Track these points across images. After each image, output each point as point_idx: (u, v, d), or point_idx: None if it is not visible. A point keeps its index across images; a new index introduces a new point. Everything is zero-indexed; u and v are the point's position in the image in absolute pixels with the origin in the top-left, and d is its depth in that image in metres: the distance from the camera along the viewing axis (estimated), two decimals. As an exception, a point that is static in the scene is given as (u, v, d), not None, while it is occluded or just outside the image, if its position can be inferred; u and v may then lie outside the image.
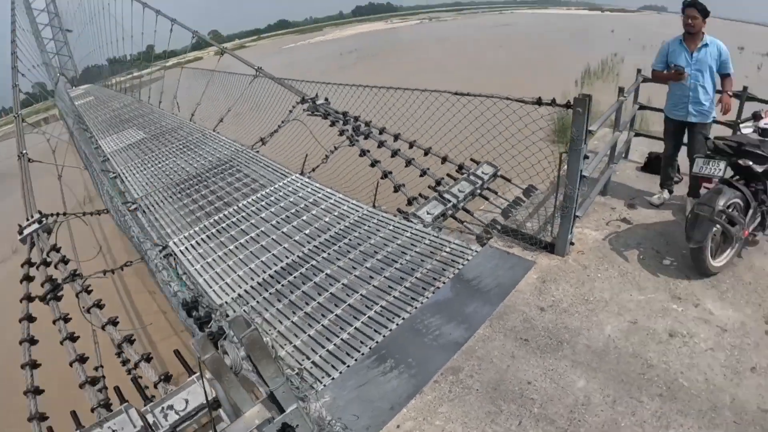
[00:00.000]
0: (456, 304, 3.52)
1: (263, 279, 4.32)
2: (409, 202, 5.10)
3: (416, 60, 24.32)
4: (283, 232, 4.93)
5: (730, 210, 3.77)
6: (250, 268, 4.54)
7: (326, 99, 7.19)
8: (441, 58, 25.36)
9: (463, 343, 3.22)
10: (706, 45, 4.35)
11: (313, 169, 6.22)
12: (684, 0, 4.30)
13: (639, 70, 5.43)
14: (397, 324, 3.46)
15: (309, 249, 4.57)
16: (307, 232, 4.83)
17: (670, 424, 2.72)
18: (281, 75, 9.14)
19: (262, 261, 4.58)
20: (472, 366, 3.05)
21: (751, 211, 3.92)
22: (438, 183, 5.15)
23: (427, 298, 3.62)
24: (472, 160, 5.29)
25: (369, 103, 5.96)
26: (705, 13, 4.26)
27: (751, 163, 3.86)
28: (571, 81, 17.71)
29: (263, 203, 5.59)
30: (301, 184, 5.83)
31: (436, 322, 3.41)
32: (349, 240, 4.55)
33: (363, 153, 5.80)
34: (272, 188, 5.90)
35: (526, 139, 4.05)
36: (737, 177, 4.04)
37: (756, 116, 4.46)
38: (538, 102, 3.61)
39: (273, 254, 4.63)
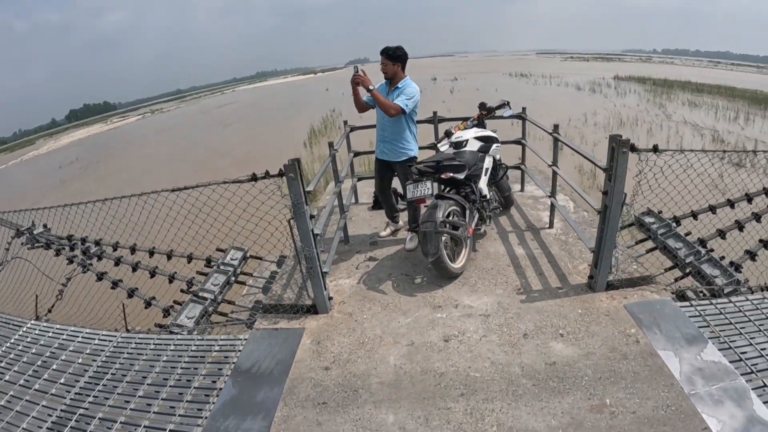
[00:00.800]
0: (245, 397, 3.31)
1: (33, 448, 3.62)
2: (166, 313, 4.73)
3: (144, 157, 23.27)
4: (36, 390, 4.18)
5: (450, 218, 4.21)
6: (13, 440, 3.77)
7: (45, 226, 6.37)
8: (169, 149, 24.65)
9: (267, 433, 3.03)
10: (398, 88, 4.62)
11: (50, 310, 5.44)
12: None
13: (345, 122, 5.89)
14: (195, 443, 3.14)
15: (71, 398, 3.93)
16: (62, 381, 4.16)
17: (483, 414, 2.84)
18: (-7, 206, 7.95)
19: (23, 428, 3.83)
20: (285, 452, 2.88)
21: (468, 212, 4.45)
22: (190, 284, 4.87)
23: (214, 403, 3.34)
24: (218, 249, 5.13)
25: (96, 219, 5.41)
26: (394, 58, 4.55)
27: (452, 174, 4.37)
28: (300, 143, 18.55)
29: (2, 364, 4.72)
30: (40, 330, 5.03)
31: (233, 423, 3.14)
32: (113, 374, 4.02)
33: (100, 277, 5.24)
34: (8, 344, 4.99)
35: (260, 211, 4.01)
36: (448, 189, 4.53)
37: (448, 134, 5.10)
38: (254, 178, 3.62)
39: (33, 417, 3.89)
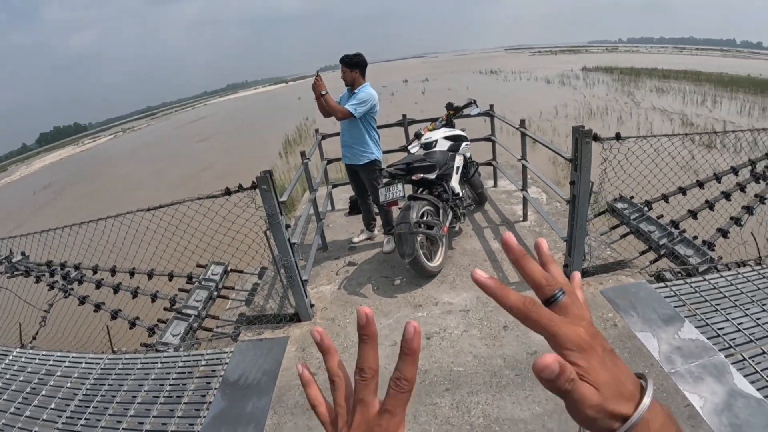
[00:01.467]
0: (234, 409, 3.34)
1: (27, 476, 3.62)
2: (151, 333, 4.73)
3: (119, 177, 22.95)
4: (27, 416, 4.15)
5: (424, 218, 4.26)
6: (8, 469, 3.76)
7: (23, 253, 6.30)
8: (145, 167, 24.35)
9: (258, 443, 3.06)
10: (355, 94, 4.65)
11: (34, 337, 5.40)
12: None
13: (317, 131, 5.92)
14: (186, 459, 3.16)
15: (63, 423, 3.92)
16: (53, 406, 4.14)
17: (469, 407, 2.91)
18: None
19: (18, 455, 3.83)
20: (278, 460, 2.91)
21: (442, 211, 4.51)
22: (173, 301, 4.86)
23: (204, 417, 3.36)
24: (198, 265, 5.13)
25: (73, 243, 5.36)
26: (352, 65, 4.61)
27: (423, 174, 4.43)
28: (276, 154, 18.44)
29: (-9, 392, 4.68)
30: (27, 357, 5.00)
31: (223, 435, 3.18)
32: (102, 395, 4.02)
33: (82, 301, 5.22)
34: (-5, 374, 4.97)
35: (236, 224, 4.01)
36: (420, 189, 4.59)
37: (417, 135, 5.15)
38: (227, 192, 3.63)
39: (26, 443, 3.91)
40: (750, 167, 5.49)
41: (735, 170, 5.44)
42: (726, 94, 21.47)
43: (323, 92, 4.52)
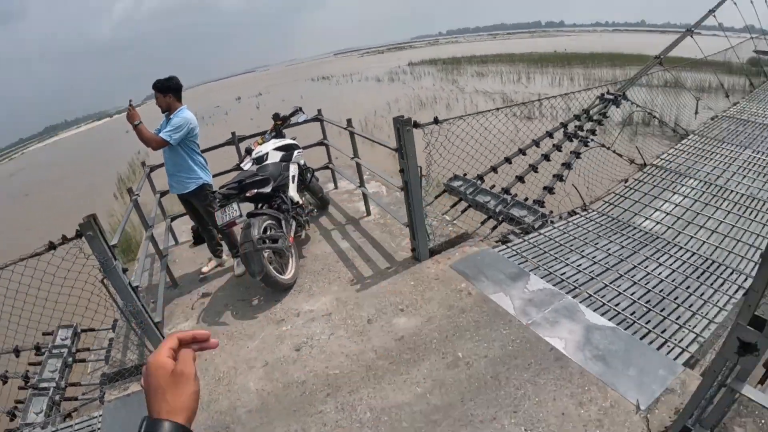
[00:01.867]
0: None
1: None
2: (12, 416, 4.25)
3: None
4: None
5: (267, 233, 4.22)
6: None
7: None
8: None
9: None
10: (170, 120, 4.44)
11: None
12: None
13: (143, 163, 5.60)
14: None
15: None
16: None
17: (354, 405, 2.96)
18: None
19: None
20: None
21: (284, 222, 4.48)
22: (26, 378, 4.42)
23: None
24: (44, 333, 4.68)
25: None
26: (164, 90, 4.37)
27: (256, 190, 4.37)
28: (110, 196, 17.06)
29: None
30: None
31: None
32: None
33: None
34: None
35: (69, 279, 3.69)
36: (260, 204, 4.53)
37: (248, 151, 5.05)
38: (51, 246, 3.34)
39: None
40: (562, 129, 6.11)
41: (550, 134, 6.03)
42: (538, 70, 23.65)
43: (136, 122, 4.24)
